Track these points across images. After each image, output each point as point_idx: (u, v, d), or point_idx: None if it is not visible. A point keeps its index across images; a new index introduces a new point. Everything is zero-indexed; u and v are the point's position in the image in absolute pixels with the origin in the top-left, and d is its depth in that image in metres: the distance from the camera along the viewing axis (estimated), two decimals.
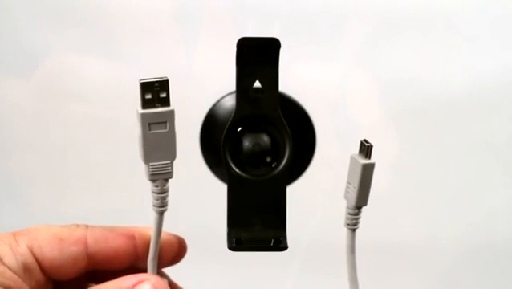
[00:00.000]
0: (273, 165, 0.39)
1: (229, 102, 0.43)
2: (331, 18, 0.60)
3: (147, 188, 0.36)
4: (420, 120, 0.62)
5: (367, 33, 0.60)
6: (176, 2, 0.60)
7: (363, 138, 0.35)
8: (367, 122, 0.62)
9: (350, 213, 0.36)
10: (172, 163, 0.35)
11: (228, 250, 0.38)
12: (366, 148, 0.35)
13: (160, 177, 0.35)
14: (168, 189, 0.36)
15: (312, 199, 0.62)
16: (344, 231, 0.37)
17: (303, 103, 0.44)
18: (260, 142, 0.39)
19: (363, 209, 0.36)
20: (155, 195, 0.36)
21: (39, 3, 0.60)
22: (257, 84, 0.38)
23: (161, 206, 0.36)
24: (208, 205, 0.55)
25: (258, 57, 0.37)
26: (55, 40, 0.61)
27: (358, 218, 0.36)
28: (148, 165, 0.35)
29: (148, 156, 0.34)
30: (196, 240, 0.60)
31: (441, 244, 0.64)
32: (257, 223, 0.39)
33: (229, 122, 0.39)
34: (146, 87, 0.34)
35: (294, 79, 0.44)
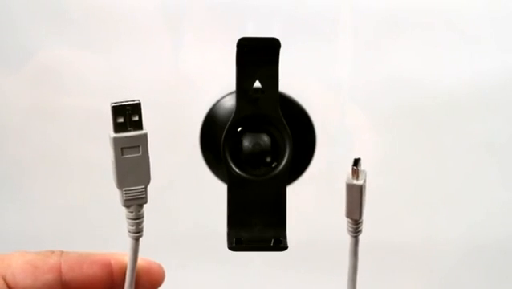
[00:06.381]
0: (273, 165, 0.39)
1: (229, 102, 0.43)
2: (331, 18, 0.60)
3: None
4: (420, 119, 0.62)
5: (367, 33, 0.60)
6: (175, 0, 0.60)
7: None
8: (367, 122, 0.62)
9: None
10: (146, 188, 0.34)
11: (228, 250, 0.38)
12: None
13: (135, 203, 0.34)
14: (143, 214, 0.34)
15: (312, 198, 0.62)
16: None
17: (303, 103, 0.44)
18: (260, 142, 0.39)
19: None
20: (130, 221, 0.34)
21: None
22: (257, 84, 0.38)
23: (137, 232, 0.35)
24: (208, 205, 0.55)
25: (258, 57, 0.37)
26: (50, 34, 0.60)
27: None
28: (122, 190, 0.34)
29: (121, 182, 0.33)
30: (196, 240, 0.60)
31: (441, 244, 0.64)
32: (257, 223, 0.39)
33: (229, 122, 0.39)
34: (118, 110, 0.32)
35: (294, 78, 0.44)
